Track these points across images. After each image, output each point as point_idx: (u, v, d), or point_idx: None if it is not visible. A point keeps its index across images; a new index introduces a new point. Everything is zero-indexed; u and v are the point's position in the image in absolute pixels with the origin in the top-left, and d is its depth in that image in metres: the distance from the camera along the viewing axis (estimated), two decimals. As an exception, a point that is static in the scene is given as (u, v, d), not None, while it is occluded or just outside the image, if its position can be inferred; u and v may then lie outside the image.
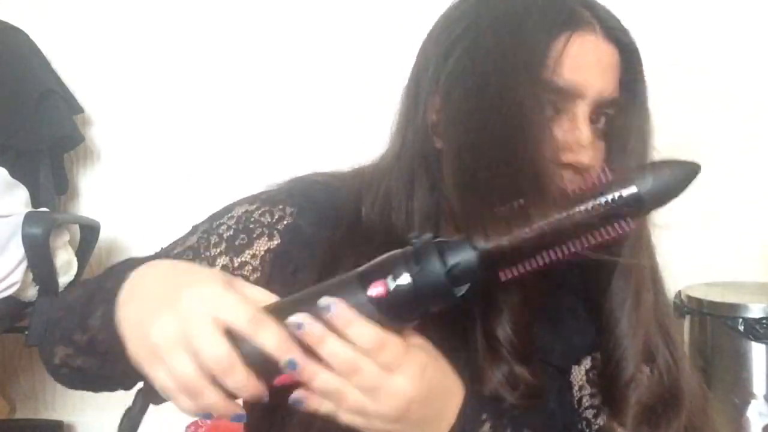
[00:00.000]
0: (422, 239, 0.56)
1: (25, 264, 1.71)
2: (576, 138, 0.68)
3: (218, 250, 0.75)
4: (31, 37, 2.11)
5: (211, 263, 0.74)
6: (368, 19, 2.15)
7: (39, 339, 1.76)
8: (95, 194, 2.26)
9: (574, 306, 0.76)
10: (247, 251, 0.75)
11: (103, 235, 2.03)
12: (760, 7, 2.04)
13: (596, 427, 0.73)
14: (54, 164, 2.07)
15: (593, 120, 0.71)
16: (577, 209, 0.55)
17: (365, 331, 0.54)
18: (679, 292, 1.89)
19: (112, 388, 0.71)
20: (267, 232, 0.75)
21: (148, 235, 2.20)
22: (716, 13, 2.04)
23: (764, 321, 1.75)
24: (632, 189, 0.55)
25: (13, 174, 1.82)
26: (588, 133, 0.69)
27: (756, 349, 1.78)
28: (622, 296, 0.72)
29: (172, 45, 2.20)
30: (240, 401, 0.55)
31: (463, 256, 0.55)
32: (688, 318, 1.88)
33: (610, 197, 0.55)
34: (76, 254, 1.90)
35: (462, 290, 0.56)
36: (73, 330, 0.67)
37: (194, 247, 0.76)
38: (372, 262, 0.56)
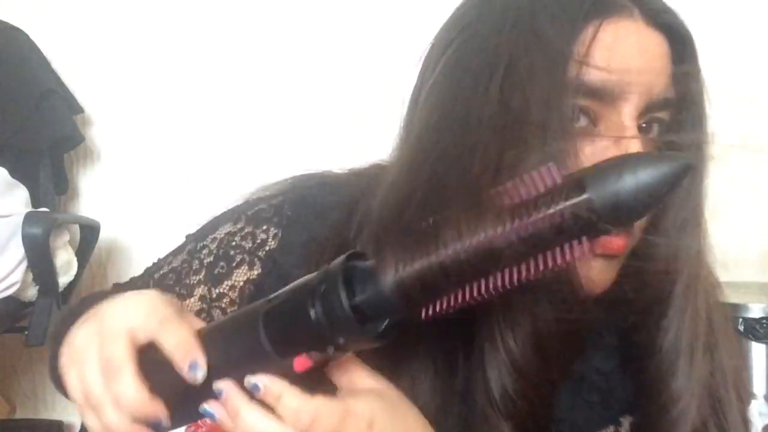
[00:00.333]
0: (334, 263, 0.47)
1: (25, 264, 1.70)
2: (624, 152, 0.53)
3: (197, 278, 0.70)
4: (31, 37, 2.11)
5: (189, 293, 0.70)
6: (369, 19, 2.15)
7: (39, 339, 1.76)
8: (95, 194, 2.26)
9: (605, 366, 0.65)
10: (225, 282, 0.69)
11: (103, 235, 2.03)
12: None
13: None
14: (54, 164, 2.07)
15: (643, 129, 0.56)
16: (508, 225, 0.41)
17: (295, 406, 0.47)
18: (679, 292, 1.89)
19: None
20: (248, 259, 0.69)
21: (148, 235, 2.20)
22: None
23: (764, 321, 1.75)
24: (582, 195, 0.40)
25: (13, 174, 1.82)
26: (638, 148, 0.54)
27: (756, 349, 1.78)
28: (674, 355, 0.59)
29: (172, 45, 2.20)
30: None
31: (370, 288, 0.45)
32: (688, 318, 1.88)
33: (552, 208, 0.40)
34: (76, 254, 1.90)
35: (379, 327, 0.46)
36: (50, 349, 0.67)
37: (177, 271, 0.72)
38: (281, 292, 0.49)
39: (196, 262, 0.71)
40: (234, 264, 0.69)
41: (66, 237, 1.85)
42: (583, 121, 0.55)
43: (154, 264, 0.76)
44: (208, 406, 0.50)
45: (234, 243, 0.69)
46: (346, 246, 0.62)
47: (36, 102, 1.99)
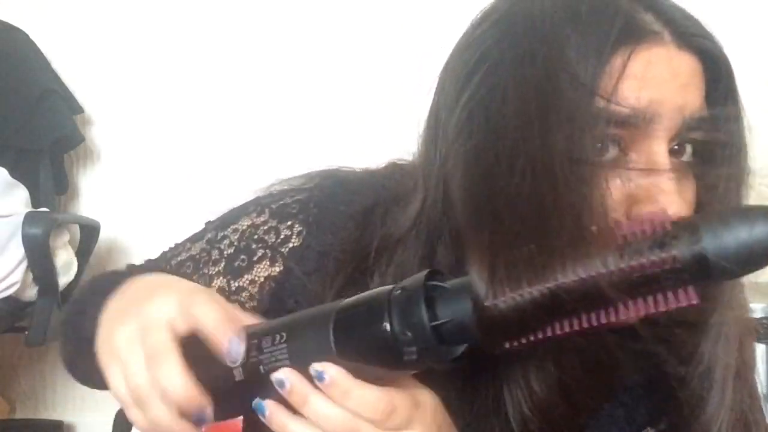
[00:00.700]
0: (413, 279, 0.46)
1: (25, 264, 1.70)
2: (653, 184, 0.51)
3: (216, 269, 0.69)
4: (31, 37, 2.11)
5: (207, 283, 0.69)
6: (370, 19, 2.15)
7: (39, 339, 1.76)
8: (95, 194, 2.26)
9: (630, 381, 0.63)
10: (246, 275, 0.68)
11: (103, 235, 2.03)
12: None
13: None
14: (54, 164, 2.07)
15: (676, 152, 0.54)
16: (613, 265, 0.40)
17: (368, 399, 0.46)
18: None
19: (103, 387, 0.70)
20: (269, 254, 0.67)
21: (148, 235, 2.20)
22: None
23: (764, 321, 1.75)
24: (698, 242, 0.39)
25: (13, 174, 1.82)
26: (670, 175, 0.51)
27: (756, 349, 1.78)
28: (707, 384, 0.58)
29: (172, 45, 2.20)
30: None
31: (457, 311, 0.44)
32: (688, 318, 1.88)
33: (665, 252, 0.39)
34: (76, 254, 1.90)
35: (457, 352, 0.46)
36: (68, 337, 0.67)
37: (195, 259, 0.71)
38: (353, 303, 0.48)
39: (216, 252, 0.69)
40: (255, 258, 0.67)
41: (66, 237, 1.85)
42: (612, 151, 0.52)
43: (170, 249, 0.75)
44: (262, 402, 0.49)
45: (256, 236, 0.68)
46: (366, 257, 0.62)
47: (36, 102, 1.99)
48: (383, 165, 0.72)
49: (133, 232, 2.22)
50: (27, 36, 2.10)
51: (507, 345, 0.44)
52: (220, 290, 0.68)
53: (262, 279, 0.67)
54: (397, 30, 2.11)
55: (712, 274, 0.39)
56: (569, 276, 0.41)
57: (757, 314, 1.76)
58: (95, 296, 0.62)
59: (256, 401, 0.49)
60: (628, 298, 0.41)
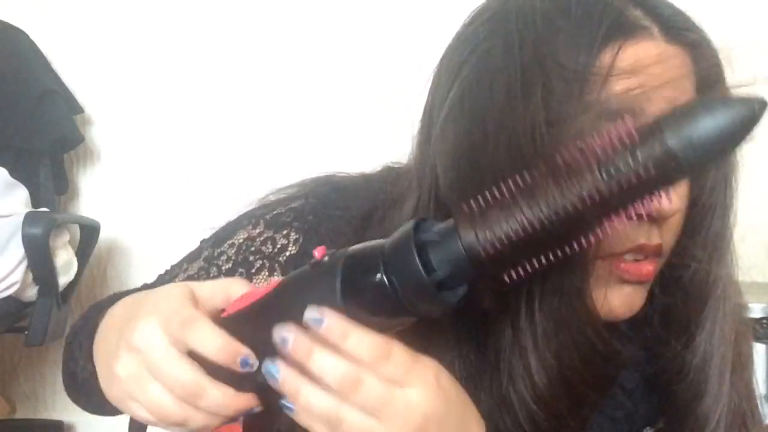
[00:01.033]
0: (401, 231, 0.46)
1: (25, 264, 1.70)
2: None
3: None
4: (31, 37, 2.11)
5: None
6: (370, 19, 2.15)
7: (39, 339, 1.76)
8: (95, 194, 2.26)
9: (629, 383, 0.64)
10: None
11: (103, 235, 2.03)
12: None
13: None
14: (54, 164, 2.07)
15: None
16: (588, 180, 0.41)
17: (365, 340, 0.46)
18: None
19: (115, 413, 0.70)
20: (268, 265, 0.67)
21: (148, 235, 2.20)
22: None
23: (764, 321, 1.75)
24: (662, 144, 0.40)
25: (13, 174, 1.82)
26: None
27: (756, 349, 1.78)
28: (703, 377, 0.59)
29: (172, 45, 2.20)
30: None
31: (450, 255, 0.45)
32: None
33: (630, 159, 0.40)
34: (76, 254, 1.90)
35: (457, 295, 0.46)
36: (66, 364, 0.67)
37: (194, 278, 0.70)
38: (346, 263, 0.47)
39: (214, 269, 0.69)
40: (254, 270, 0.67)
41: (66, 237, 1.85)
42: None
43: (167, 271, 0.74)
44: (272, 365, 0.48)
45: (253, 248, 0.67)
46: None
47: (36, 102, 1.99)
48: (378, 168, 0.72)
49: (133, 232, 2.22)
50: (27, 36, 2.10)
51: (505, 278, 0.45)
52: None
53: None
54: (397, 30, 2.11)
55: (684, 171, 0.41)
56: (551, 203, 0.42)
57: (757, 314, 1.76)
58: (81, 336, 0.63)
59: (266, 365, 0.48)
60: (610, 213, 0.42)
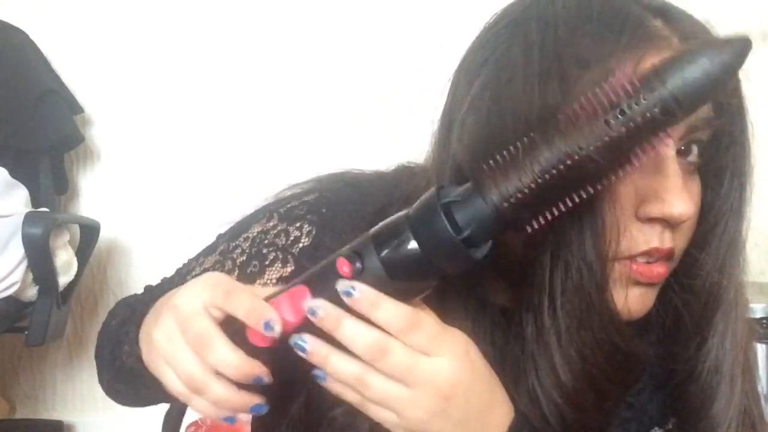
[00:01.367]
0: (424, 197, 0.49)
1: (25, 264, 1.70)
2: (661, 184, 0.54)
3: None
4: (31, 37, 2.11)
5: None
6: (370, 19, 2.15)
7: (39, 339, 1.76)
8: (95, 194, 2.26)
9: (638, 383, 0.64)
10: (258, 280, 0.68)
11: (103, 235, 2.03)
12: None
13: None
14: (54, 164, 2.07)
15: (682, 152, 0.56)
16: (597, 132, 0.44)
17: (394, 311, 0.48)
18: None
19: (155, 403, 0.71)
20: (281, 256, 0.68)
21: (148, 235, 2.20)
22: None
23: (764, 321, 1.75)
24: (666, 88, 0.44)
25: (13, 174, 1.82)
26: (677, 175, 0.54)
27: (756, 349, 1.78)
28: (715, 380, 0.61)
29: (173, 45, 2.20)
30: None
31: (474, 214, 0.48)
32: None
33: (634, 105, 0.44)
34: (76, 254, 1.90)
35: (483, 250, 0.49)
36: (111, 355, 0.68)
37: (209, 271, 0.72)
38: (375, 230, 0.50)
39: (229, 262, 0.70)
40: (267, 262, 0.68)
41: (66, 237, 1.85)
42: None
43: (184, 265, 0.76)
44: (299, 338, 0.50)
45: (267, 241, 0.69)
46: None
47: (36, 102, 1.99)
48: (392, 167, 0.73)
49: (133, 232, 2.22)
50: (27, 36, 2.10)
51: (528, 229, 0.48)
52: None
53: (274, 281, 0.68)
54: (397, 30, 2.11)
55: (684, 109, 0.45)
56: (565, 149, 0.45)
57: (757, 314, 1.76)
58: (129, 325, 0.64)
59: (294, 338, 0.50)
60: (619, 156, 0.45)
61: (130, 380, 0.67)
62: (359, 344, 0.49)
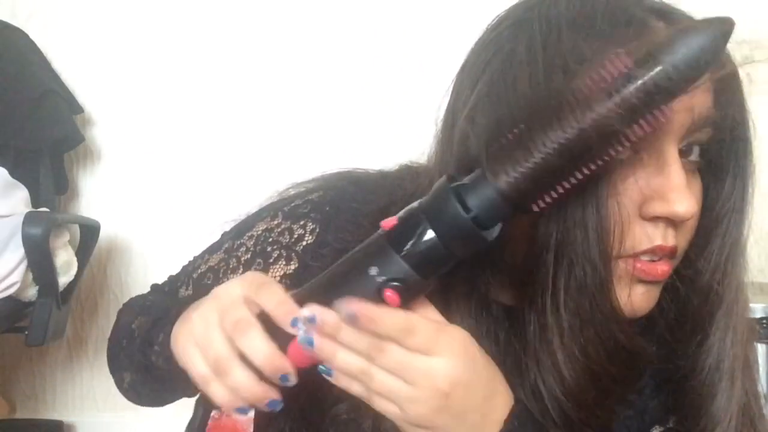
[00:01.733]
0: (435, 185, 0.52)
1: (25, 264, 1.70)
2: (664, 183, 0.54)
3: (235, 276, 0.70)
4: (31, 37, 2.11)
5: None
6: (370, 20, 2.15)
7: (39, 339, 1.76)
8: (95, 194, 2.26)
9: (639, 382, 0.65)
10: None
11: (103, 235, 2.03)
12: None
13: None
14: (54, 164, 2.07)
15: (684, 152, 0.57)
16: (597, 110, 0.47)
17: (389, 320, 0.50)
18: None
19: (175, 400, 0.72)
20: (285, 254, 0.69)
21: (148, 235, 2.20)
22: None
23: (764, 321, 1.75)
24: (658, 66, 0.46)
25: (13, 174, 1.82)
26: (680, 174, 0.55)
27: (757, 349, 1.78)
28: (716, 377, 0.61)
29: (173, 45, 2.20)
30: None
31: (483, 196, 0.50)
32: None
33: (632, 86, 0.46)
34: (76, 254, 1.90)
35: (494, 232, 0.51)
36: (138, 355, 0.68)
37: (215, 269, 0.74)
38: (391, 231, 0.52)
39: (234, 260, 0.72)
40: (271, 260, 0.70)
41: (66, 237, 1.85)
42: (623, 154, 0.54)
43: (190, 262, 0.77)
44: (306, 335, 0.52)
45: (271, 239, 0.70)
46: None
47: (36, 102, 1.99)
48: (396, 167, 0.74)
49: (133, 232, 2.22)
50: (27, 36, 2.10)
51: (536, 208, 0.50)
52: None
53: (278, 278, 0.69)
54: (397, 30, 2.11)
55: (679, 85, 0.47)
56: (567, 128, 0.47)
57: (758, 314, 1.76)
58: (159, 326, 0.66)
59: (301, 335, 0.52)
60: (618, 133, 0.47)
61: (156, 379, 0.67)
62: (357, 347, 0.51)
